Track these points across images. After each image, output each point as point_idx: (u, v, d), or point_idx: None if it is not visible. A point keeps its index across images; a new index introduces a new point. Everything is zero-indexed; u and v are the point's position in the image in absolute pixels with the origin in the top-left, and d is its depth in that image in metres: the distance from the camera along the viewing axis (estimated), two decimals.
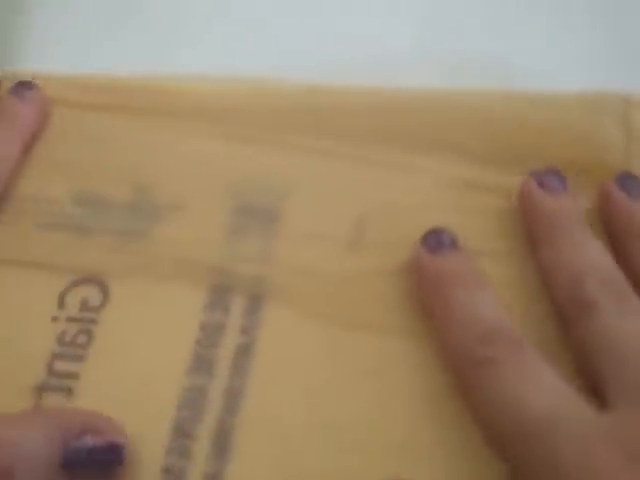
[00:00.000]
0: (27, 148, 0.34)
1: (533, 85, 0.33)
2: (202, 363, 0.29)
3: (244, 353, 0.29)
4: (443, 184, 0.32)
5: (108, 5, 0.39)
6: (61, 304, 0.31)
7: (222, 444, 0.27)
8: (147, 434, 0.28)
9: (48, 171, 0.33)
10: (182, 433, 0.28)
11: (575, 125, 0.32)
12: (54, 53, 0.38)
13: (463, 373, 0.27)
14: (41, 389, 0.29)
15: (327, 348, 0.29)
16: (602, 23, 0.35)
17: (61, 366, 0.29)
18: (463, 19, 0.36)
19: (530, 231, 0.30)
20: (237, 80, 0.34)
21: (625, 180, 0.30)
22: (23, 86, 0.35)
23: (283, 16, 0.37)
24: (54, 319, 0.30)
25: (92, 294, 0.31)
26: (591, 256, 0.28)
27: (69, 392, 0.29)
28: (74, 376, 0.29)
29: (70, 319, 0.30)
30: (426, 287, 0.29)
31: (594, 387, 0.26)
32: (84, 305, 0.31)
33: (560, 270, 0.28)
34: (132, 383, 0.29)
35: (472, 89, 0.33)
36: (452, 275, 0.28)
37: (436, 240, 0.29)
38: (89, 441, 0.25)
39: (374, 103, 0.34)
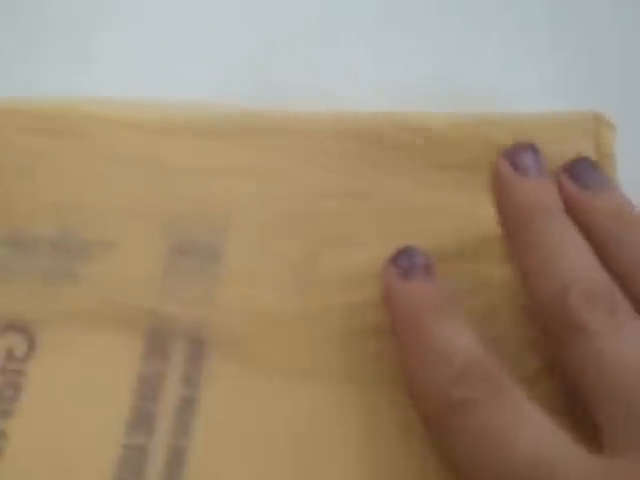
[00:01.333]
0: None
1: (497, 107, 0.32)
2: (142, 419, 0.27)
3: (187, 408, 0.27)
4: (401, 212, 0.30)
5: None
6: None
7: None
8: None
9: None
10: None
11: (545, 145, 0.30)
12: None
13: (437, 417, 0.24)
14: None
15: (280, 400, 0.27)
16: (563, 42, 0.35)
17: None
18: (426, 43, 0.35)
19: (504, 225, 0.27)
20: (170, 104, 0.32)
21: (578, 169, 0.27)
22: None
23: (222, 39, 0.35)
24: None
25: (16, 343, 0.28)
26: (574, 260, 0.25)
27: None
28: (1, 434, 0.27)
29: None
30: (396, 317, 0.26)
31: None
32: (9, 355, 0.28)
33: (540, 279, 0.25)
34: (66, 442, 0.26)
35: (435, 113, 0.32)
36: (424, 304, 0.25)
37: (408, 262, 0.26)
38: None
39: (322, 127, 0.32)
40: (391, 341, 0.27)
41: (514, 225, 0.27)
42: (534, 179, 0.27)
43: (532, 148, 0.27)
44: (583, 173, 0.27)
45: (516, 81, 0.33)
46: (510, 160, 0.27)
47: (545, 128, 0.31)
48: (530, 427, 0.22)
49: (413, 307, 0.25)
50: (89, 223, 0.30)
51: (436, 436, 0.24)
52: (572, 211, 0.27)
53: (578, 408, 0.24)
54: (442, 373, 0.24)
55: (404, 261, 0.26)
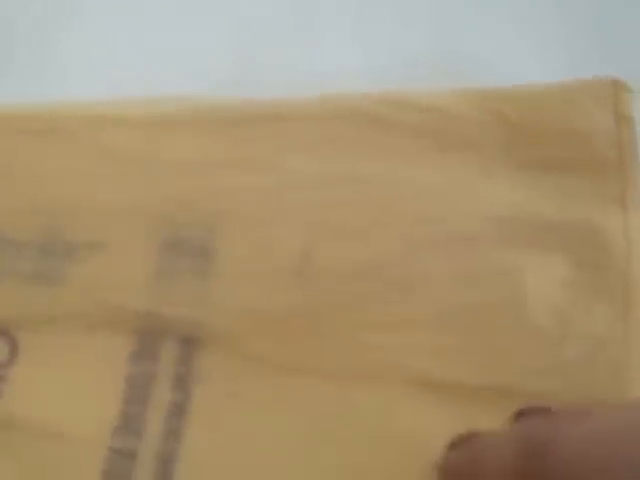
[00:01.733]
0: None
1: (499, 83, 0.29)
2: (131, 423, 0.25)
3: (178, 410, 0.25)
4: (406, 197, 0.28)
5: None
6: None
7: None
8: None
9: None
10: None
11: (562, 116, 0.28)
12: None
13: None
14: None
15: (275, 401, 0.25)
16: (567, 10, 0.32)
17: None
18: (432, 19, 0.32)
19: None
20: (155, 100, 0.30)
21: None
22: None
23: (197, 29, 0.33)
24: None
25: None
26: None
27: None
28: None
29: None
30: None
31: None
32: None
33: None
34: (50, 449, 0.25)
35: (440, 90, 0.29)
36: None
37: None
38: None
39: (318, 111, 0.29)
40: (392, 335, 0.26)
41: None
42: None
43: None
44: None
45: (516, 54, 0.31)
46: None
47: (560, 98, 0.28)
48: None
49: None
50: (75, 223, 0.28)
51: None
52: None
53: None
54: None
55: None
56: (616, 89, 0.28)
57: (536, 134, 0.28)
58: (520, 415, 0.23)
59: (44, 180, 0.29)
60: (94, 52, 0.33)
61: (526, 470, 0.20)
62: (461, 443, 0.24)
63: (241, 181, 0.29)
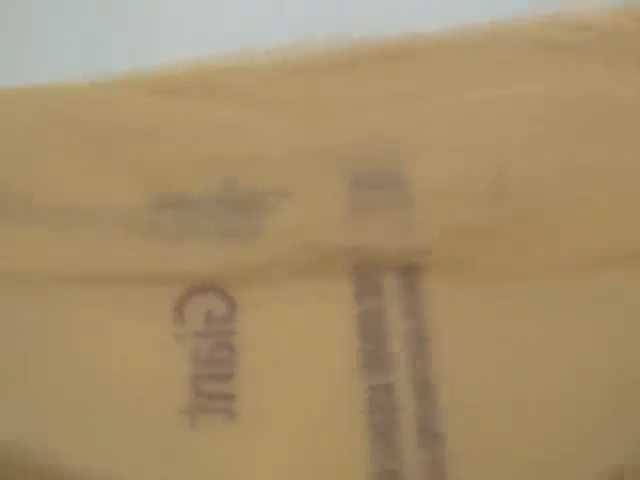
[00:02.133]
0: None
1: None
2: (375, 359, 0.25)
3: (418, 339, 0.25)
4: (579, 110, 0.28)
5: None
6: (180, 320, 0.26)
7: (429, 436, 0.24)
8: (344, 445, 0.24)
9: (118, 176, 0.28)
10: (383, 439, 0.24)
11: None
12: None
13: None
14: (195, 412, 0.24)
15: (511, 311, 0.25)
16: None
17: (208, 387, 0.25)
18: None
19: None
20: (302, 44, 0.30)
21: None
22: None
23: None
24: (177, 337, 0.25)
25: (214, 304, 0.26)
26: None
27: (230, 414, 0.24)
28: (228, 397, 0.24)
29: (198, 334, 0.26)
30: None
31: None
32: (209, 317, 0.26)
33: None
34: (304, 395, 0.24)
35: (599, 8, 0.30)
36: None
37: None
38: None
39: (480, 38, 0.30)
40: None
41: None
42: None
43: None
44: None
45: None
46: None
47: None
48: None
49: None
50: (255, 176, 0.28)
51: None
52: None
53: None
54: None
55: None
56: None
57: None
58: None
59: (209, 138, 0.28)
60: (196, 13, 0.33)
61: None
62: None
63: (416, 110, 0.29)
